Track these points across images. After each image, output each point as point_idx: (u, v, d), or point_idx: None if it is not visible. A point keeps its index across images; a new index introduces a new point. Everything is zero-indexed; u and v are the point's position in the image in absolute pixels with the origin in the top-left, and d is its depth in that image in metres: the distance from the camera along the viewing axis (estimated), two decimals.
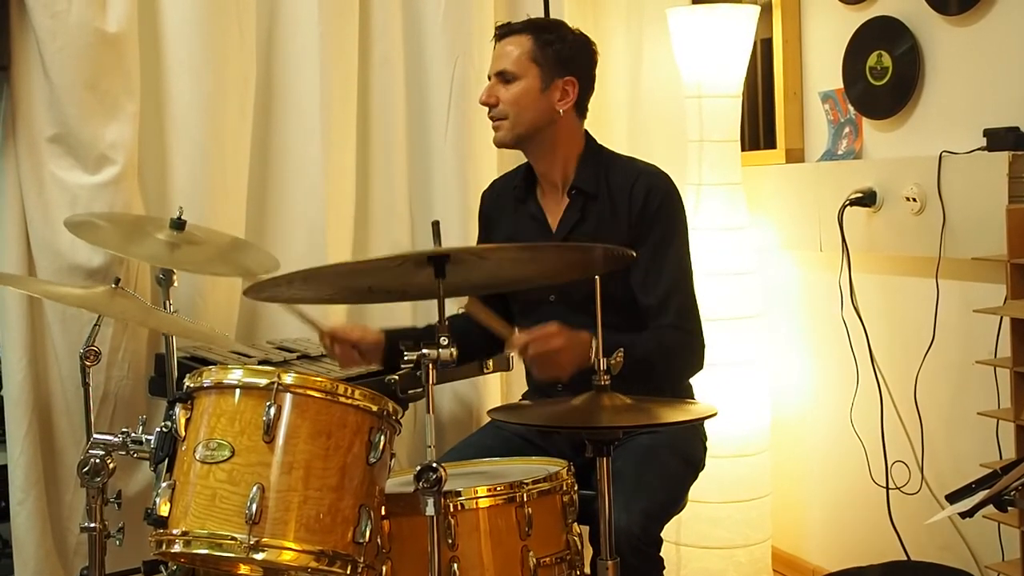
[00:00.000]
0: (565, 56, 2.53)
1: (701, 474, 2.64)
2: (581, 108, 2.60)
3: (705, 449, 2.65)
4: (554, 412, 2.12)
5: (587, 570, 2.22)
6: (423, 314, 3.43)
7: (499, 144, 2.60)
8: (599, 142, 2.66)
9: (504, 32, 2.57)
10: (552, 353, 2.23)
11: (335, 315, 3.36)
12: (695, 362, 2.53)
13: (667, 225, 2.52)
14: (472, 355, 2.82)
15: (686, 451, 2.54)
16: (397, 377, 2.59)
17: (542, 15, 3.57)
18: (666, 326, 2.46)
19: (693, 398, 2.69)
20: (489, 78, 2.57)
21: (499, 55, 2.56)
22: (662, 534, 2.39)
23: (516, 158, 2.78)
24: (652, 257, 2.48)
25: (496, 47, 2.58)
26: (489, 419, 2.67)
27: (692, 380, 2.71)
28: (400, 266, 1.95)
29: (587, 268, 2.22)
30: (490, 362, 3.18)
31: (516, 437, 2.59)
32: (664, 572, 2.38)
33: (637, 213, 2.50)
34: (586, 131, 2.65)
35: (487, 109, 2.56)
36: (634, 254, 2.12)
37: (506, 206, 2.70)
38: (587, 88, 2.59)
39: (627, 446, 2.40)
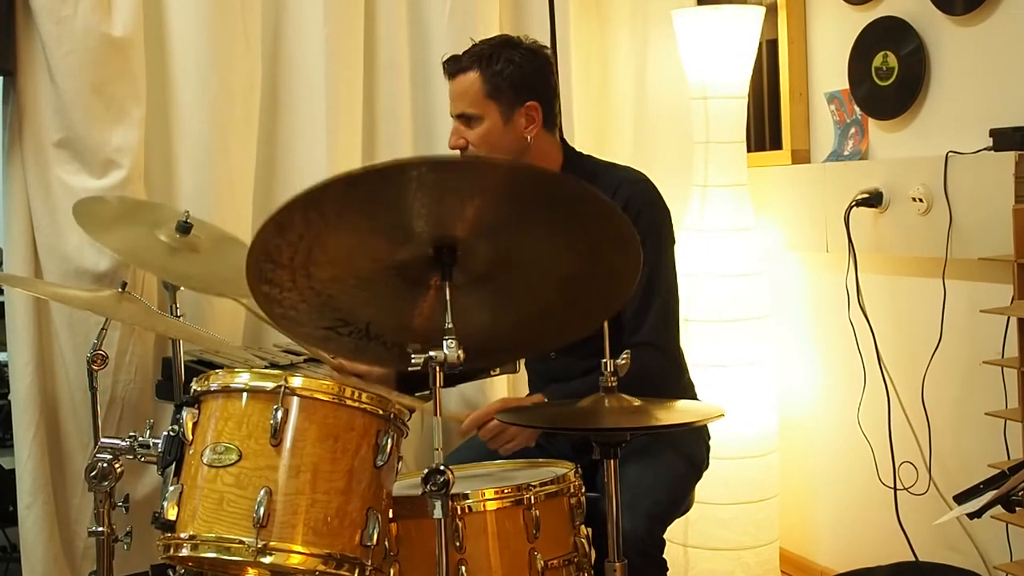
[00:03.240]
0: (518, 81, 2.46)
1: (709, 475, 2.64)
2: (550, 122, 2.54)
3: (708, 449, 2.64)
4: (561, 414, 2.12)
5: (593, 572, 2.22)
6: None
7: None
8: (599, 143, 2.64)
9: (452, 70, 2.51)
10: (509, 436, 2.33)
11: None
12: (668, 380, 2.51)
13: (646, 233, 2.41)
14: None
15: (688, 452, 2.54)
16: None
17: (547, 18, 3.57)
18: (640, 344, 2.41)
19: (695, 396, 2.69)
20: (453, 118, 2.53)
21: (454, 95, 2.51)
22: (669, 535, 2.39)
23: None
24: None
25: (450, 85, 2.52)
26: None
27: (695, 380, 2.72)
28: (403, 246, 1.85)
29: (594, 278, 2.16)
30: None
31: None
32: (668, 574, 2.38)
33: None
34: (563, 141, 2.61)
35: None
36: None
37: None
38: (550, 103, 2.54)
39: (630, 447, 2.38)
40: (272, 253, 1.80)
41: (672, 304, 2.53)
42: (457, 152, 2.52)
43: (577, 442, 2.49)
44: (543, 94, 2.51)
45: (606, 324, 1.95)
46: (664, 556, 2.37)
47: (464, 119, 2.50)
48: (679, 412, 2.10)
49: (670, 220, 2.58)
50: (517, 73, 2.47)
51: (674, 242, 2.59)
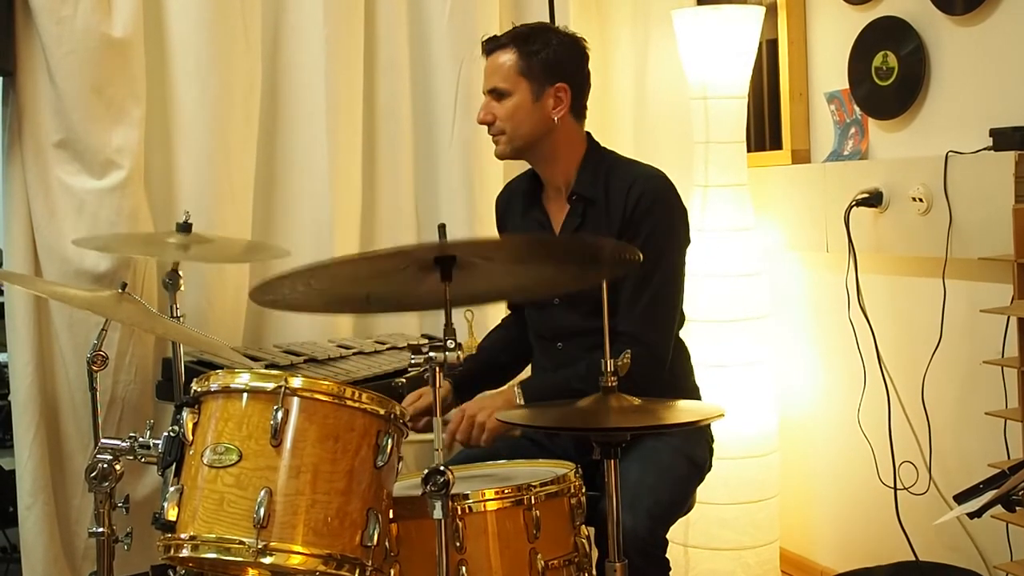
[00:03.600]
0: (552, 63, 2.51)
1: (709, 475, 2.64)
2: (578, 110, 2.59)
3: (711, 451, 2.64)
4: (561, 414, 2.12)
5: (594, 572, 2.22)
6: (429, 324, 3.44)
7: (500, 157, 2.62)
8: (602, 144, 2.65)
9: (490, 47, 2.56)
10: (478, 427, 2.40)
11: (341, 325, 3.37)
12: (648, 374, 2.42)
13: (653, 228, 2.47)
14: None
15: (692, 452, 2.54)
16: (404, 380, 2.59)
17: (547, 19, 3.57)
18: (622, 333, 2.40)
19: (699, 399, 2.69)
20: (485, 94, 2.57)
21: (489, 71, 2.56)
22: (670, 535, 2.39)
23: (522, 162, 2.78)
24: None
25: (486, 63, 2.57)
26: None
27: (698, 381, 2.71)
28: (404, 270, 1.93)
29: (589, 274, 2.20)
30: None
31: (521, 438, 2.59)
32: (670, 574, 2.38)
33: (628, 216, 2.48)
34: (588, 133, 2.64)
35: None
36: (641, 256, 2.04)
37: (516, 208, 2.70)
38: (581, 90, 2.58)
39: (632, 447, 2.39)
40: (273, 291, 1.95)
41: (667, 300, 2.52)
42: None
43: (579, 441, 2.49)
44: (574, 80, 2.56)
45: (606, 320, 1.96)
46: (667, 556, 2.37)
47: (495, 94, 2.54)
48: (680, 412, 2.10)
49: (684, 220, 2.59)
50: (552, 55, 2.52)
51: (687, 242, 2.59)
